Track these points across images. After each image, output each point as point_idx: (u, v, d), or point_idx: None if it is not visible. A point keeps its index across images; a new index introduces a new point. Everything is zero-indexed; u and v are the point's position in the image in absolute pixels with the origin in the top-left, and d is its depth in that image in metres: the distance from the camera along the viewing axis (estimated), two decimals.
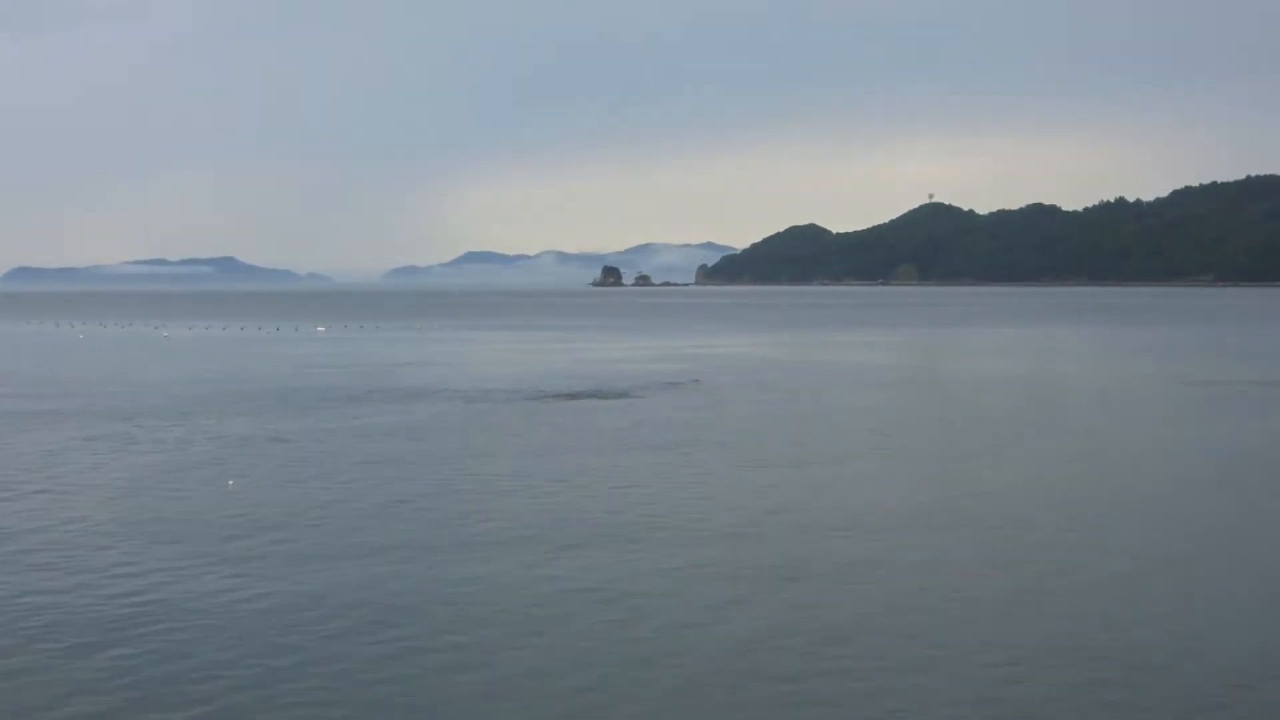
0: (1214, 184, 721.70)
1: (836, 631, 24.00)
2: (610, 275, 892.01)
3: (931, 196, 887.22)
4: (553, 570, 28.55)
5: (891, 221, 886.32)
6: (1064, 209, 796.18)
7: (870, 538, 31.97)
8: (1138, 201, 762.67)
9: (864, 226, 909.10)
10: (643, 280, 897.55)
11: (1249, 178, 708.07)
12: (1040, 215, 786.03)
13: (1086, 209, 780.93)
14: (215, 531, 32.68)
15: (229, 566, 28.88)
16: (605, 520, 33.95)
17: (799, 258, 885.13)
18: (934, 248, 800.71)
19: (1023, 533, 32.73)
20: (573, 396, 69.96)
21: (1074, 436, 53.08)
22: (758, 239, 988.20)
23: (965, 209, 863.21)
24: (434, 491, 38.52)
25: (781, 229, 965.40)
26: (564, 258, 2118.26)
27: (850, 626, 24.29)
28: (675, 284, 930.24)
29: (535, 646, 23.14)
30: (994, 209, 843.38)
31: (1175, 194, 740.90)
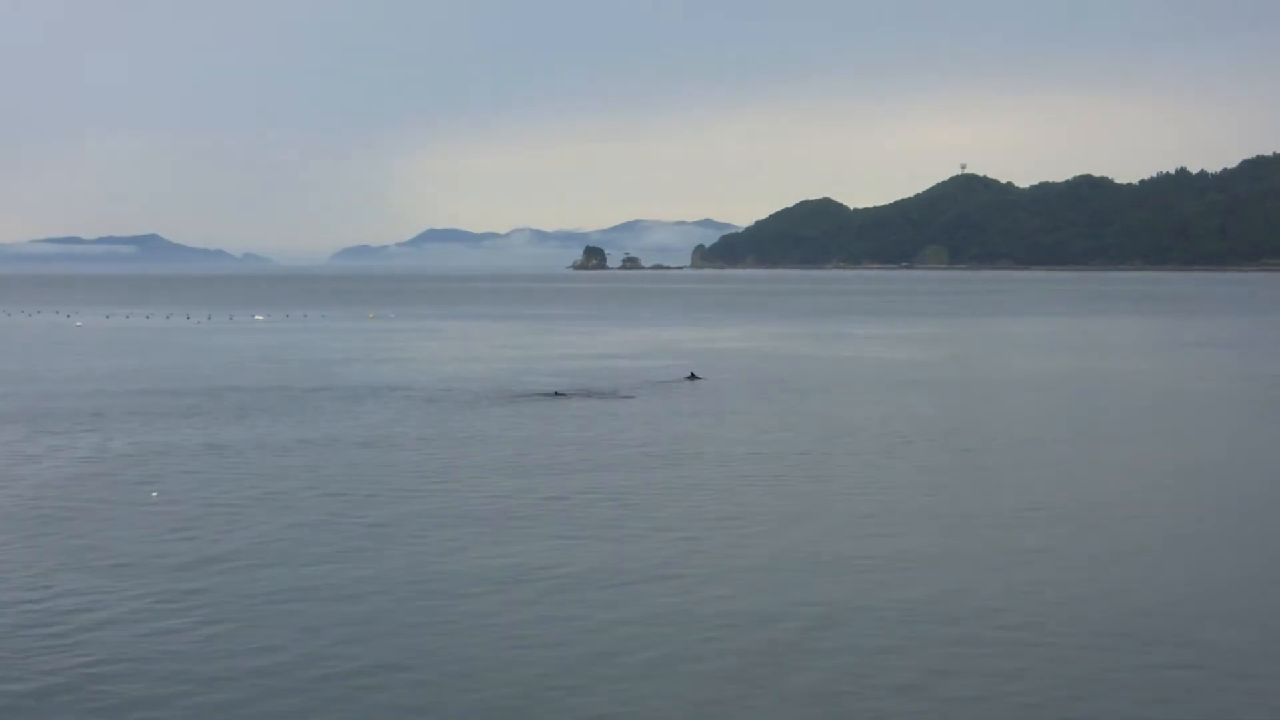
0: None
1: (893, 697, 23.07)
2: (593, 257, 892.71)
3: (964, 167, 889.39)
4: (547, 611, 27.97)
5: (918, 195, 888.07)
6: (1117, 181, 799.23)
7: (909, 577, 31.77)
8: (1202, 173, 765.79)
9: (886, 201, 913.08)
10: (630, 263, 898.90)
11: None
12: (1090, 189, 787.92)
13: (1143, 181, 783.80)
14: (158, 563, 32.08)
15: (183, 607, 28.14)
16: (596, 554, 33.27)
17: (811, 237, 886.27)
18: (967, 226, 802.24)
19: (1085, 572, 32.53)
20: (550, 397, 69.79)
21: (1138, 449, 52.99)
22: (763, 215, 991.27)
23: (1003, 181, 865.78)
24: (392, 520, 37.89)
25: (791, 204, 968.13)
26: (539, 236, 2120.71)
27: (909, 686, 23.45)
28: (668, 267, 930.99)
29: None
30: (1036, 181, 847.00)
31: (1245, 164, 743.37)
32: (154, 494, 41.16)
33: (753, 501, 39.84)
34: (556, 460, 47.82)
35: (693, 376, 79.39)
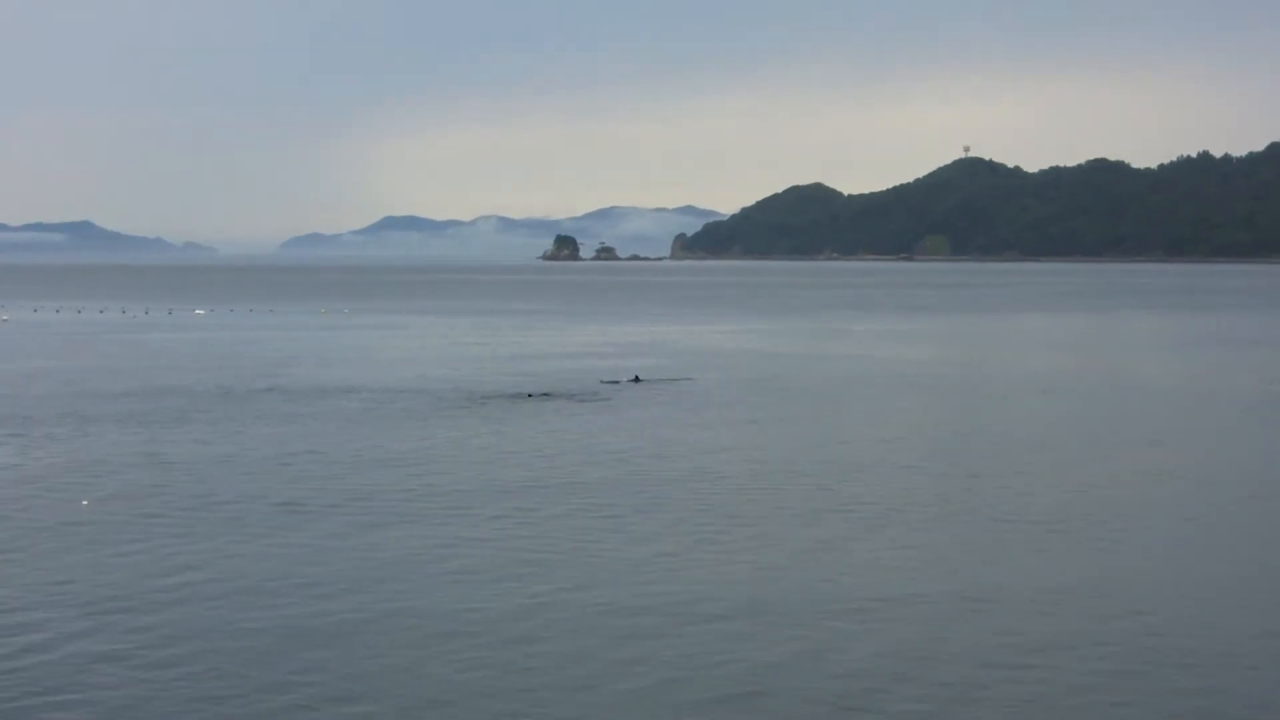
0: None
1: None
2: (565, 247, 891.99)
3: (968, 150, 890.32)
4: (542, 650, 27.45)
5: (918, 181, 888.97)
6: (1134, 166, 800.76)
7: (933, 614, 31.48)
8: (1226, 157, 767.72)
9: (883, 187, 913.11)
10: (606, 253, 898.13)
11: None
12: (1105, 174, 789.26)
13: (1162, 166, 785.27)
14: (97, 588, 31.38)
15: (128, 637, 27.42)
16: (589, 584, 32.67)
17: (802, 226, 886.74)
18: (971, 214, 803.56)
19: (1115, 598, 32.29)
20: (515, 399, 69.59)
21: (1161, 457, 52.83)
22: (750, 202, 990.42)
23: (1010, 165, 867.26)
24: (353, 545, 37.27)
25: (780, 190, 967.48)
26: (507, 224, 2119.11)
27: None
28: (647, 258, 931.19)
29: None
30: (1046, 165, 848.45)
31: (1273, 148, 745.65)
32: (84, 502, 40.83)
33: (753, 524, 39.27)
34: (534, 475, 47.27)
35: (636, 380, 78.72)
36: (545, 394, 71.83)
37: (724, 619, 28.96)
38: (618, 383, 77.59)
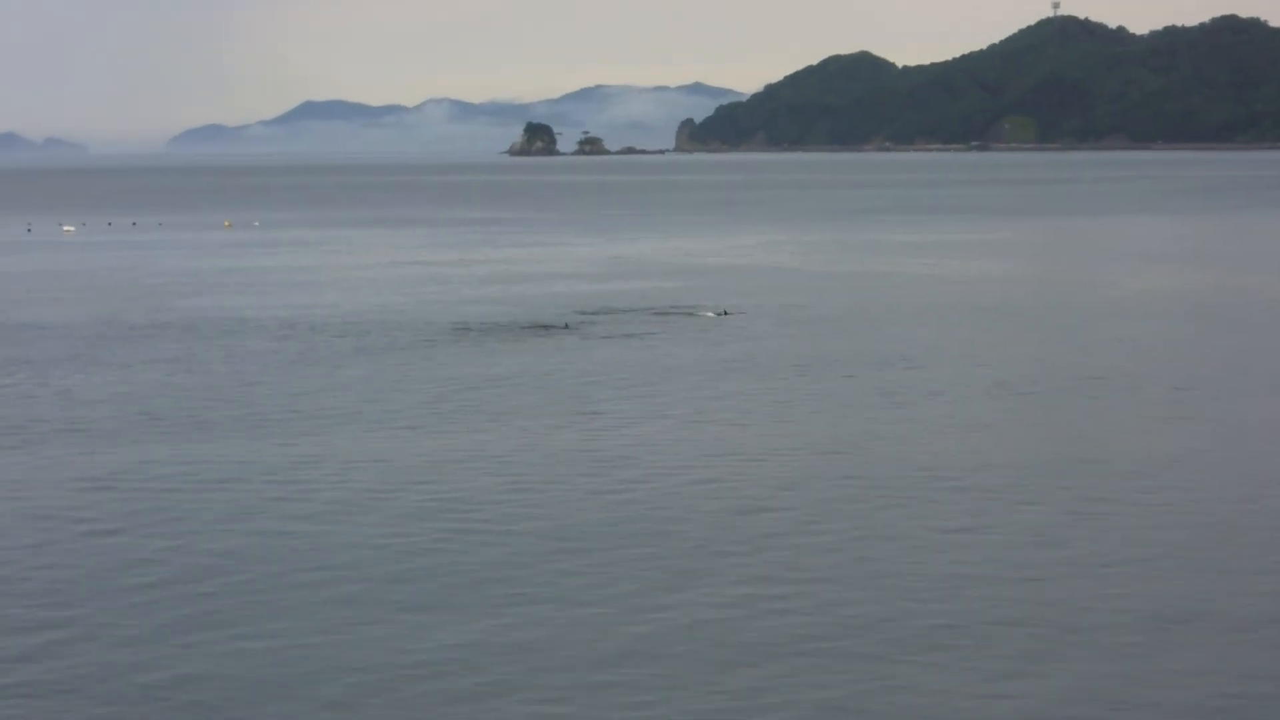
0: None
1: None
2: (539, 138, 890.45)
3: (1057, 7, 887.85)
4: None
5: (993, 48, 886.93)
6: (1271, 25, 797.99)
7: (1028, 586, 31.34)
8: None
9: (948, 56, 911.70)
10: (591, 145, 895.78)
11: None
12: (1233, 36, 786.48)
13: None
14: None
15: None
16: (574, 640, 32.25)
17: (844, 107, 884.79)
18: (1061, 90, 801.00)
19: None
20: (478, 331, 69.37)
21: None
22: (776, 78, 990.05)
23: (1112, 26, 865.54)
24: (276, 550, 35.96)
25: (815, 61, 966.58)
26: (462, 110, 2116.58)
27: None
28: (645, 151, 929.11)
29: None
30: (1158, 26, 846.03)
31: None
32: None
33: (823, 502, 38.84)
34: (487, 460, 46.90)
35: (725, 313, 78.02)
36: (522, 327, 71.27)
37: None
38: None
